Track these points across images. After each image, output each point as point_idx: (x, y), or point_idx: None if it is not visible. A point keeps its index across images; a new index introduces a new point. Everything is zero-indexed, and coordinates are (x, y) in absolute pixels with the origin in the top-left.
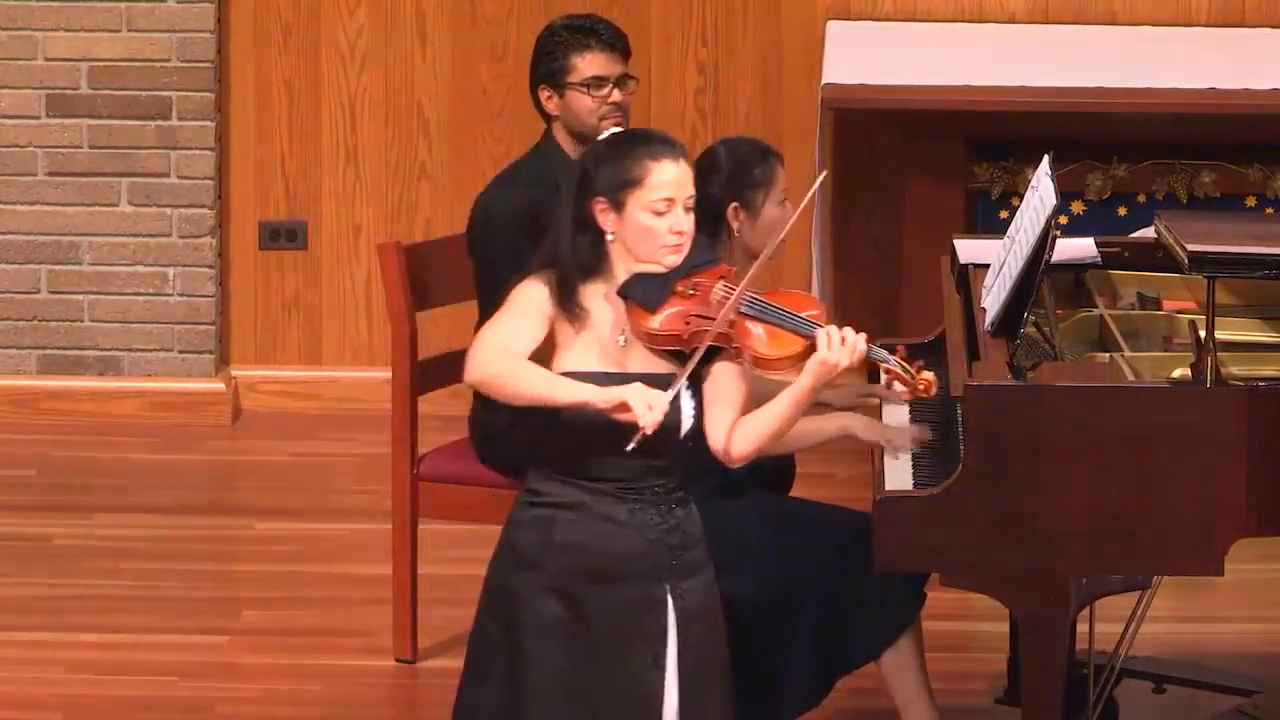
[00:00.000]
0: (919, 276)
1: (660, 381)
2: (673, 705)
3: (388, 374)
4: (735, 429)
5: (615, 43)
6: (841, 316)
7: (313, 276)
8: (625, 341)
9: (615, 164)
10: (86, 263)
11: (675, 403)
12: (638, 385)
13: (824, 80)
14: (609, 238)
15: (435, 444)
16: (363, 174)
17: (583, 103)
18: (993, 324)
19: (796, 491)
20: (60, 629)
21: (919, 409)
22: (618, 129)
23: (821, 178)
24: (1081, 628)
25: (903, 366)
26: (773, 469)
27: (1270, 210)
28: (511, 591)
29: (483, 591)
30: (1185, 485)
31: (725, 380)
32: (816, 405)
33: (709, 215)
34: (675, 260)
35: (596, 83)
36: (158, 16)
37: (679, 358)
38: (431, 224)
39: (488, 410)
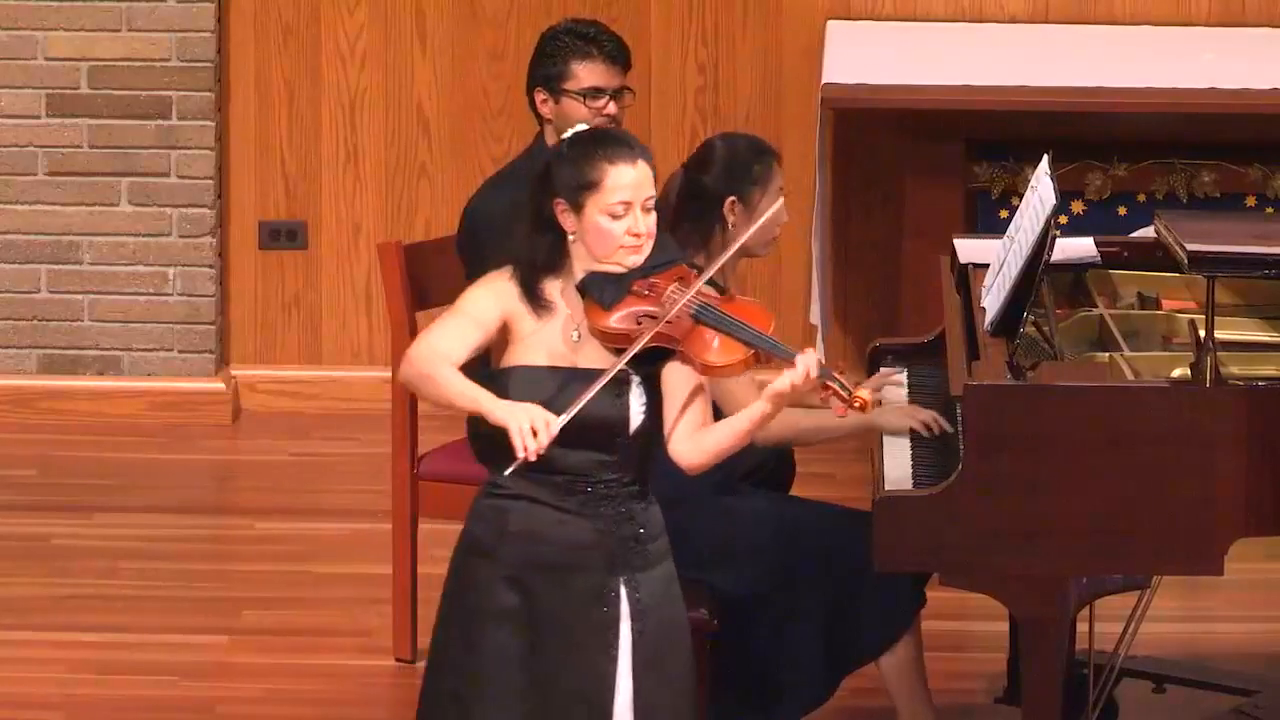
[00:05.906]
0: (919, 276)
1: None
2: (625, 697)
3: (388, 374)
4: (692, 439)
5: (617, 55)
6: (842, 317)
7: (313, 276)
8: (579, 337)
9: (574, 166)
10: (86, 263)
11: (623, 399)
12: (524, 407)
13: (824, 80)
14: (570, 237)
15: (435, 444)
16: (363, 174)
17: (578, 111)
18: (992, 324)
19: (796, 491)
20: (60, 629)
21: (921, 403)
22: (581, 126)
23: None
24: (1081, 628)
25: (840, 384)
26: (773, 469)
27: (1270, 210)
28: (470, 578)
29: (446, 579)
30: (1185, 485)
31: (677, 380)
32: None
33: (704, 206)
34: (635, 260)
35: (594, 93)
36: (158, 16)
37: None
38: (431, 224)
39: None
